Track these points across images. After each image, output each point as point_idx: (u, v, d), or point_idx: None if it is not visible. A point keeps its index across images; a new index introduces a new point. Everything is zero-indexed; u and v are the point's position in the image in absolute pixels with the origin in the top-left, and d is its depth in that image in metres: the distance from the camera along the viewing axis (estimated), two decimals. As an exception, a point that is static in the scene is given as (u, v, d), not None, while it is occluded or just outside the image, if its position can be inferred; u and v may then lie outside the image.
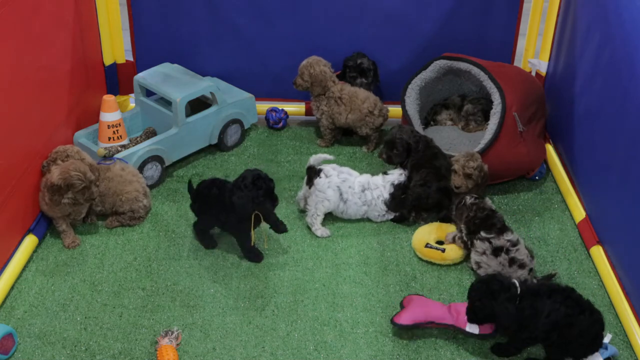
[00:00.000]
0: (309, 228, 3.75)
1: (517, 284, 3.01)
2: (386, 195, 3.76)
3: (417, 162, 3.80)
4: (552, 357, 3.03)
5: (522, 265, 3.34)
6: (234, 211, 3.40)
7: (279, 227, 3.51)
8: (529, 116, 4.04)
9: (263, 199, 3.38)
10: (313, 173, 3.73)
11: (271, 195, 3.41)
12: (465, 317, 3.09)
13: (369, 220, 3.81)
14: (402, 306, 3.24)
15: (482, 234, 3.42)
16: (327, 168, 3.75)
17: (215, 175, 4.11)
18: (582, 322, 2.91)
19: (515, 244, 3.38)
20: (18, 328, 3.16)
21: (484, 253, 3.40)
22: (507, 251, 3.35)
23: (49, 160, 3.66)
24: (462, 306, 3.17)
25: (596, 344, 2.96)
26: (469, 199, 3.58)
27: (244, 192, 3.35)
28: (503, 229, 3.43)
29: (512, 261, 3.35)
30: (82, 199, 3.49)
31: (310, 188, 3.73)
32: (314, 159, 3.75)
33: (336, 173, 3.74)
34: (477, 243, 3.44)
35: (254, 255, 3.54)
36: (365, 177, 3.81)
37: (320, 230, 3.72)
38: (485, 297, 2.98)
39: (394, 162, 3.89)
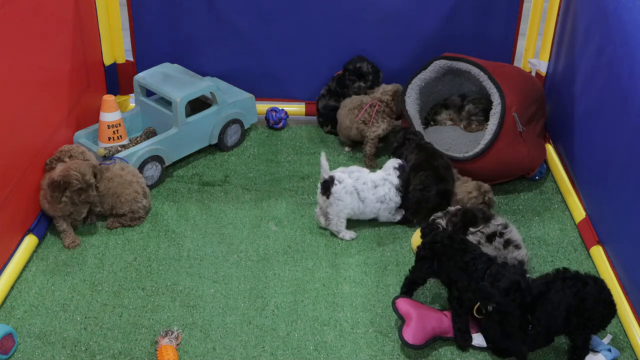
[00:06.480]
0: (309, 228, 3.76)
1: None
2: (395, 182, 3.69)
3: (415, 162, 3.80)
4: (580, 341, 2.99)
5: (517, 246, 3.33)
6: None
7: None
8: (529, 116, 4.04)
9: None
10: (327, 183, 3.64)
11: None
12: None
13: (368, 221, 3.80)
14: (399, 314, 3.16)
15: (471, 229, 3.42)
16: (337, 174, 3.66)
17: (215, 175, 4.11)
18: (590, 291, 2.92)
19: (506, 226, 3.39)
20: (18, 328, 3.16)
21: (477, 244, 3.37)
22: (501, 234, 3.35)
23: (53, 158, 3.67)
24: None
25: (613, 309, 2.97)
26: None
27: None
28: (488, 217, 3.43)
29: (507, 243, 3.34)
30: (77, 199, 3.49)
31: (328, 198, 3.63)
32: (326, 172, 3.62)
33: (347, 175, 3.66)
34: (470, 238, 3.38)
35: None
36: (377, 174, 3.74)
37: (348, 234, 3.70)
38: (502, 339, 3.01)
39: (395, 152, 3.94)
